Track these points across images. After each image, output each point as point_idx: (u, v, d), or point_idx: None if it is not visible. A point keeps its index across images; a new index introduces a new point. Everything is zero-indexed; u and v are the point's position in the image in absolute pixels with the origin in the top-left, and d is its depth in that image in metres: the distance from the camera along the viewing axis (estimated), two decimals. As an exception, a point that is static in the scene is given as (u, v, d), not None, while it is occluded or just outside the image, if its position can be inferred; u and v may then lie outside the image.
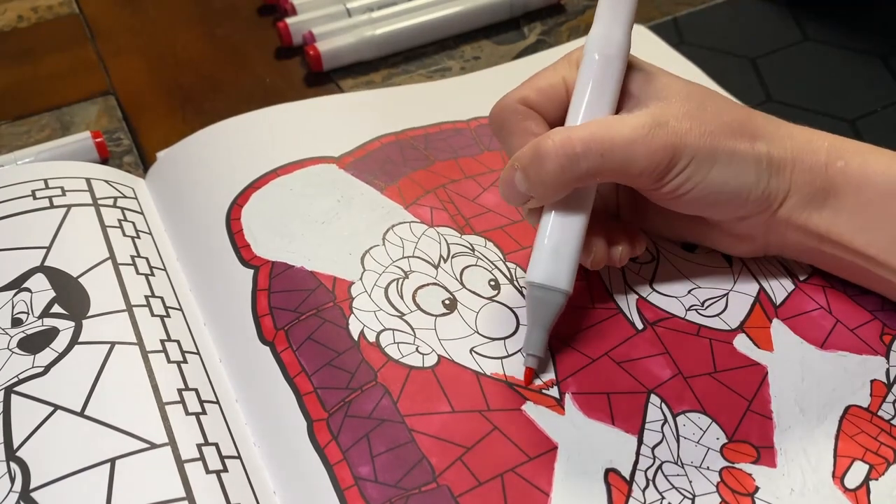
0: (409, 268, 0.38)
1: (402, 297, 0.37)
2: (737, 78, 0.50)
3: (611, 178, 0.33)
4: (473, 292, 0.38)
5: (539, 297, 0.34)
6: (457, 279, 0.38)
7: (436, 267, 0.38)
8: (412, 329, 0.36)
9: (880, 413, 0.34)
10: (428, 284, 0.38)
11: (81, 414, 0.32)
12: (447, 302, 0.37)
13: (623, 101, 0.34)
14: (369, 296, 0.37)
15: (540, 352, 0.34)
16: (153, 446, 0.31)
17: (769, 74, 0.51)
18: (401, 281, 0.38)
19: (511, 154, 0.34)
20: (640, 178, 0.33)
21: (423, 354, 0.35)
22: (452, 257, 0.39)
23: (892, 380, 0.35)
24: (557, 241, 0.34)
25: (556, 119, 0.35)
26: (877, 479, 0.32)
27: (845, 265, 0.36)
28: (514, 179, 0.33)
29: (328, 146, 0.44)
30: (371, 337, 0.35)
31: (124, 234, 0.40)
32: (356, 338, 0.35)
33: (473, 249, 0.39)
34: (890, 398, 0.34)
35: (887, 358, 0.35)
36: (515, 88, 0.35)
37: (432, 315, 0.37)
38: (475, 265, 0.39)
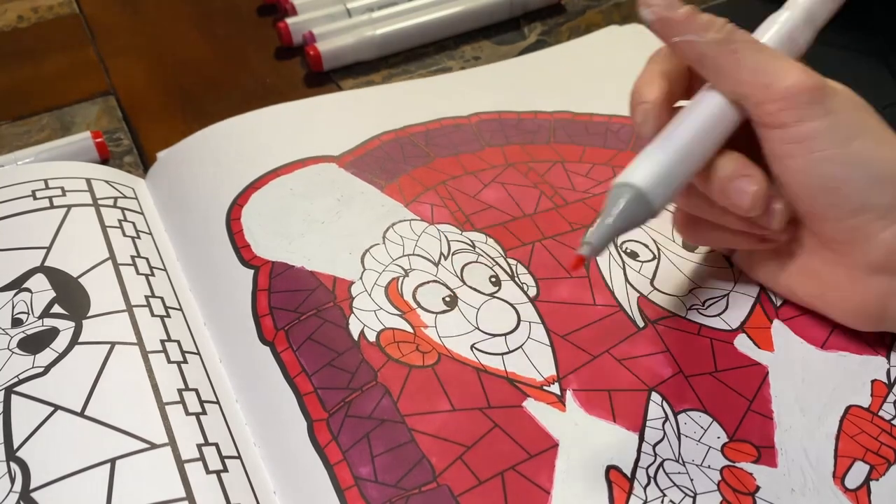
0: (410, 266, 0.38)
1: (402, 295, 0.37)
2: (737, 78, 0.50)
3: (747, 88, 0.30)
4: (474, 289, 0.38)
5: (631, 202, 0.30)
6: (457, 276, 0.38)
7: (436, 264, 0.38)
8: (412, 327, 0.36)
9: (881, 413, 0.34)
10: (428, 282, 0.38)
11: (81, 414, 0.32)
12: (447, 299, 0.37)
13: None
14: (369, 295, 0.37)
15: (602, 247, 0.29)
16: (153, 446, 0.31)
17: (769, 74, 0.51)
18: (401, 279, 0.38)
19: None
20: (779, 101, 0.30)
21: (423, 353, 0.35)
22: (453, 254, 0.39)
23: (892, 380, 0.35)
24: (679, 155, 0.30)
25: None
26: (877, 480, 0.32)
27: None
28: (639, 82, 0.32)
29: (328, 145, 0.44)
30: (371, 336, 0.35)
31: (124, 235, 0.40)
32: (356, 338, 0.35)
33: (474, 246, 0.39)
34: (890, 398, 0.34)
35: (888, 358, 0.35)
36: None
37: (433, 312, 0.36)
38: (476, 262, 0.39)
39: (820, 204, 0.31)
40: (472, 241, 0.40)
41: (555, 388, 0.34)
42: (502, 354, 0.35)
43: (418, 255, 0.39)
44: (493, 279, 0.38)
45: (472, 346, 0.35)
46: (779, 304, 0.37)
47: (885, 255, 0.31)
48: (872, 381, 0.35)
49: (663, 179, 0.30)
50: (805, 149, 0.30)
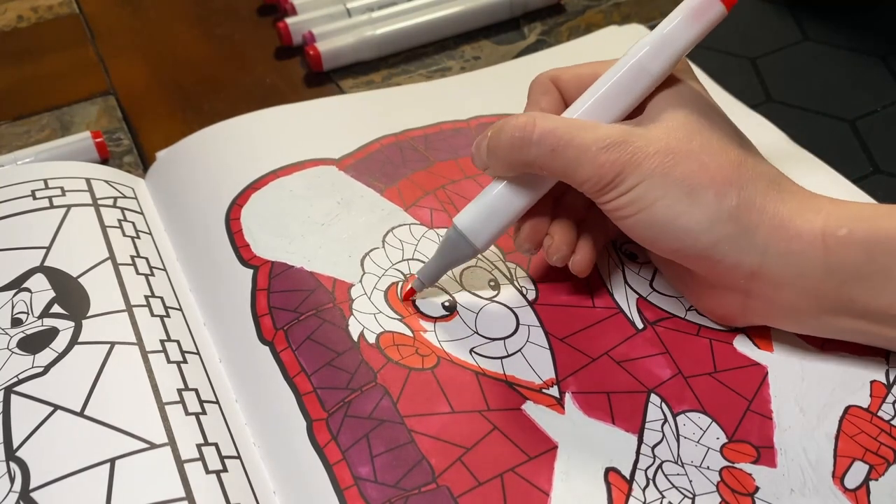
0: (409, 270, 0.38)
1: (401, 299, 0.37)
2: (737, 78, 0.50)
3: (559, 175, 0.34)
4: (473, 293, 0.38)
5: (454, 240, 0.35)
6: (456, 281, 0.38)
7: (436, 269, 0.38)
8: (412, 331, 0.36)
9: (880, 413, 0.34)
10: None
11: (81, 414, 0.32)
12: (447, 304, 0.37)
13: (636, 111, 0.35)
14: (369, 298, 0.37)
15: (428, 282, 0.37)
16: (153, 446, 0.31)
17: (769, 74, 0.51)
18: (401, 284, 0.38)
19: None
20: (583, 185, 0.33)
21: (422, 356, 0.35)
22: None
23: (891, 380, 0.35)
24: (495, 207, 0.35)
25: None
26: (877, 480, 0.32)
27: (855, 336, 0.34)
28: (479, 145, 0.35)
29: (328, 148, 0.44)
30: (371, 338, 0.35)
31: (124, 235, 0.40)
32: (356, 339, 0.35)
33: (473, 250, 0.39)
34: (890, 399, 0.34)
35: (887, 359, 0.35)
36: (562, 67, 0.37)
37: (432, 317, 0.37)
38: (475, 266, 0.39)
39: (651, 249, 0.34)
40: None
41: (554, 391, 0.34)
42: (501, 358, 0.35)
43: (418, 260, 0.39)
44: (493, 283, 0.38)
45: (471, 351, 0.35)
46: (778, 304, 0.37)
47: (728, 282, 0.33)
48: (871, 382, 0.35)
49: (483, 224, 0.35)
50: (615, 216, 0.33)
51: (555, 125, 0.33)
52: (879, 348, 0.35)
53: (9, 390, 0.33)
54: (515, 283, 0.38)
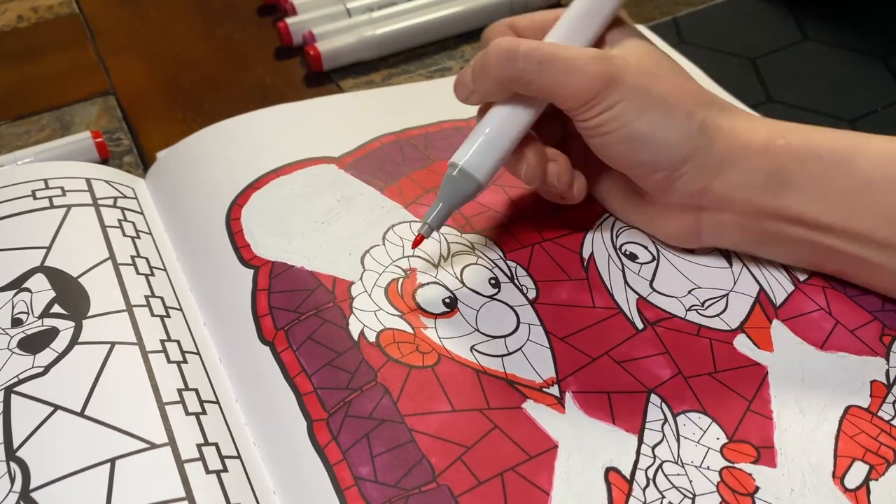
0: (410, 267, 0.38)
1: (402, 296, 0.37)
2: (737, 78, 0.50)
3: (545, 90, 0.35)
4: (474, 291, 0.38)
5: (456, 178, 0.36)
6: (457, 278, 0.38)
7: (436, 266, 0.38)
8: (412, 328, 0.36)
9: (880, 413, 0.34)
10: (428, 283, 0.38)
11: (81, 414, 0.32)
12: (447, 301, 0.37)
13: (597, 46, 0.37)
14: (369, 295, 0.37)
15: (437, 225, 0.37)
16: (153, 446, 0.31)
17: (769, 74, 0.51)
18: (401, 280, 0.38)
19: None
20: (568, 101, 0.34)
21: (423, 353, 0.35)
22: (452, 256, 0.39)
23: (891, 380, 0.35)
24: (489, 138, 0.36)
25: None
26: (877, 480, 0.32)
27: (794, 248, 0.36)
28: (464, 73, 0.36)
29: (328, 146, 0.44)
30: (371, 337, 0.35)
31: (124, 235, 0.40)
32: (356, 338, 0.35)
33: (474, 248, 0.39)
34: (890, 399, 0.34)
35: (887, 359, 0.35)
36: (518, 16, 0.39)
37: (433, 314, 0.37)
38: (475, 264, 0.39)
39: (623, 167, 0.36)
40: (471, 243, 0.40)
41: (554, 390, 0.34)
42: (502, 356, 0.35)
43: (418, 257, 0.39)
44: (493, 281, 0.38)
45: (472, 348, 0.35)
46: (778, 303, 0.37)
47: (684, 199, 0.36)
48: (871, 382, 0.35)
49: (481, 157, 0.36)
50: (596, 132, 0.35)
51: (538, 43, 0.35)
52: (879, 348, 0.35)
53: (9, 390, 0.33)
54: (516, 281, 0.38)
